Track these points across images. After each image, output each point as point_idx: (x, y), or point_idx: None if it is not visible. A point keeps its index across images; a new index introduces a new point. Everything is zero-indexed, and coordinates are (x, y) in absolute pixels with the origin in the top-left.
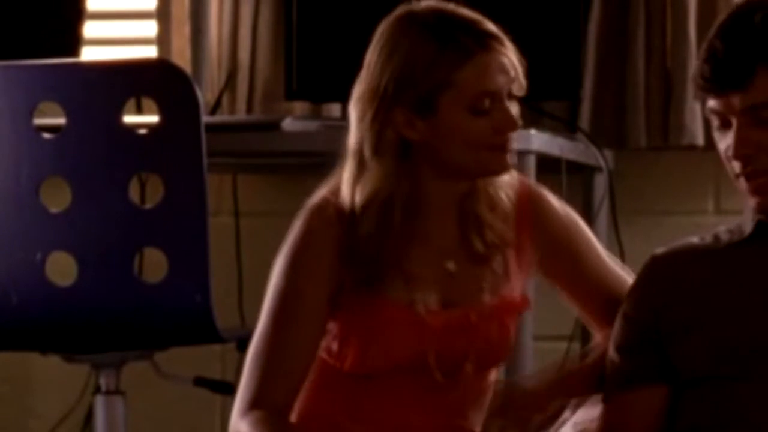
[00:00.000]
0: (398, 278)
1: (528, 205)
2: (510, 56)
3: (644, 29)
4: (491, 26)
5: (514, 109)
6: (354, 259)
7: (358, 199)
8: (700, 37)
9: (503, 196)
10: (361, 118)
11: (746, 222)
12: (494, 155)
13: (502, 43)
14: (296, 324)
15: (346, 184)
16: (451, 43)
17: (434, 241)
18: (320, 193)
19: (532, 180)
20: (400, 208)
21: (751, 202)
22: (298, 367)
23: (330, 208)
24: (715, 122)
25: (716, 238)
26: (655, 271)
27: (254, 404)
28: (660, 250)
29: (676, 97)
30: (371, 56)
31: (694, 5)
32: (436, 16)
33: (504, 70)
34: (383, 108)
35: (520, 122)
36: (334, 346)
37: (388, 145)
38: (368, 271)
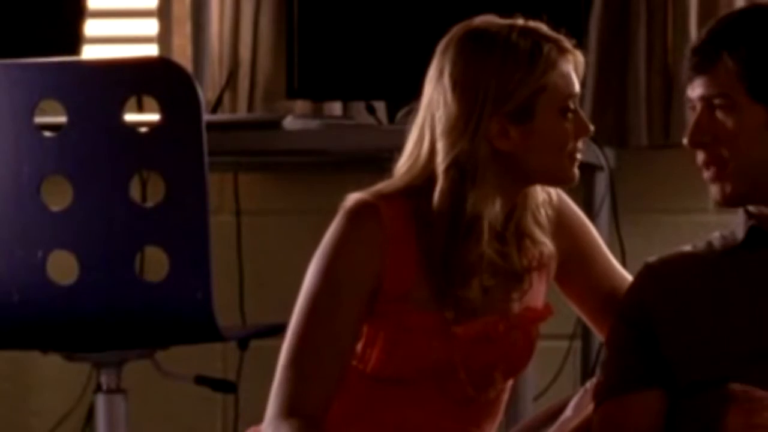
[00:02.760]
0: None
1: (553, 213)
2: (580, 63)
3: (645, 27)
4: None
5: None
6: (436, 265)
7: (469, 210)
8: None
9: (543, 213)
10: (459, 135)
11: (739, 228)
12: (570, 163)
13: (573, 52)
14: (333, 327)
15: (444, 197)
16: (538, 52)
17: None
18: (357, 196)
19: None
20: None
21: (712, 192)
22: (334, 371)
23: (383, 212)
24: (691, 114)
25: (709, 245)
26: (648, 278)
27: (292, 411)
28: (653, 258)
29: (678, 95)
30: (454, 77)
31: (695, 3)
32: (513, 30)
33: (578, 76)
34: (480, 122)
35: (592, 128)
36: (358, 348)
37: (487, 158)
38: (446, 279)
